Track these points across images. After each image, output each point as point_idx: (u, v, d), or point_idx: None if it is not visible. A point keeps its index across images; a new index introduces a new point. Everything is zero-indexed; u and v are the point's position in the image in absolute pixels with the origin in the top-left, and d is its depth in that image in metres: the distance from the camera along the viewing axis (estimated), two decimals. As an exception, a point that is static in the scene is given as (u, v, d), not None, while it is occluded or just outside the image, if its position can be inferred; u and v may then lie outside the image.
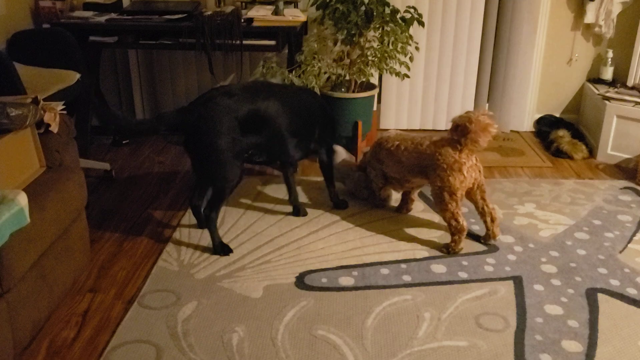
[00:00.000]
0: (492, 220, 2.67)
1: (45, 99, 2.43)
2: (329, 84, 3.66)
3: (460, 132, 2.53)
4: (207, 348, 2.02)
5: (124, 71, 4.13)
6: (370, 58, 3.51)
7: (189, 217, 2.94)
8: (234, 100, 2.49)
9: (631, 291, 2.35)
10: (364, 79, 3.62)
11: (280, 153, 2.74)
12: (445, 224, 2.67)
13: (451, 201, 2.56)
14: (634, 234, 2.80)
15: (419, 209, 3.06)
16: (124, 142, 3.95)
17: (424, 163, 2.64)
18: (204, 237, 2.75)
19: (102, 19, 3.51)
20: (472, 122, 2.49)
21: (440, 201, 2.59)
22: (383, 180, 2.94)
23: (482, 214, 2.68)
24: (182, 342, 2.05)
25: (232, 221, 2.87)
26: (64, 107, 2.45)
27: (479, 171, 2.60)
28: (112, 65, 4.12)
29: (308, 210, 3.01)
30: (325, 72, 3.59)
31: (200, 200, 2.77)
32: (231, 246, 2.66)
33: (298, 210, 2.97)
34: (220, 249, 2.61)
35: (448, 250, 2.64)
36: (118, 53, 4.09)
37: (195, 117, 2.43)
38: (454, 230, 2.60)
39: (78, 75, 3.14)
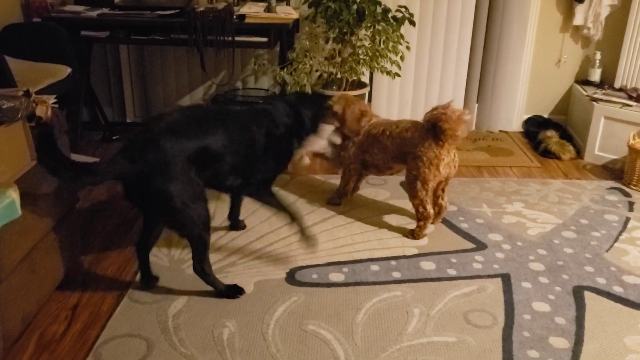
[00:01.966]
0: (439, 212, 2.86)
1: (36, 93, 2.41)
2: (321, 82, 3.67)
3: (437, 130, 2.59)
4: (197, 342, 2.03)
5: (115, 66, 4.12)
6: (361, 57, 3.53)
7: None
8: (181, 137, 2.09)
9: (617, 289, 2.39)
10: (355, 78, 3.63)
11: (214, 183, 2.35)
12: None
13: (422, 190, 2.68)
14: (620, 233, 2.84)
15: (408, 206, 3.08)
16: (114, 137, 3.93)
17: (405, 149, 2.72)
18: (194, 233, 2.75)
19: (94, 13, 3.49)
20: (443, 120, 2.56)
21: (412, 188, 2.71)
22: (357, 170, 2.97)
23: (434, 202, 2.82)
24: (172, 336, 2.06)
25: (223, 217, 2.87)
26: (55, 100, 2.44)
27: (454, 167, 2.73)
28: (103, 60, 4.10)
29: (299, 206, 3.02)
30: (316, 70, 3.61)
31: (147, 245, 2.33)
32: (222, 242, 2.66)
33: (235, 226, 2.82)
34: (229, 293, 2.30)
35: (413, 235, 2.76)
36: (109, 48, 4.07)
37: (141, 166, 2.01)
38: (421, 216, 2.73)
39: (69, 70, 3.13)
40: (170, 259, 2.54)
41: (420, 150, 2.64)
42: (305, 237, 2.51)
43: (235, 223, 2.83)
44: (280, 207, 2.49)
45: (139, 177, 2.03)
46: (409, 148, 2.70)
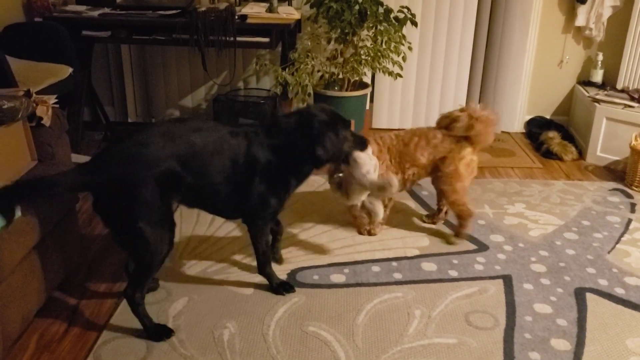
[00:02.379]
0: (446, 213, 2.91)
1: (37, 93, 2.41)
2: (322, 82, 3.66)
3: (469, 136, 2.61)
4: (198, 343, 2.02)
5: (116, 66, 4.12)
6: (363, 57, 3.52)
7: (180, 213, 2.93)
8: (150, 152, 1.91)
9: (619, 291, 2.38)
10: (357, 78, 3.63)
11: (216, 210, 2.24)
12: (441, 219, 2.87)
13: (461, 190, 2.67)
14: (622, 235, 2.83)
15: (410, 207, 3.07)
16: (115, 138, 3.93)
17: (438, 156, 2.67)
18: (195, 233, 2.75)
19: (95, 13, 3.49)
20: (476, 119, 2.57)
21: (451, 190, 2.67)
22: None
23: (439, 202, 2.89)
24: (173, 337, 2.05)
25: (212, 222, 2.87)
26: (56, 100, 2.44)
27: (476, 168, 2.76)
28: (105, 60, 4.10)
29: (299, 208, 3.02)
30: (318, 71, 3.61)
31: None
32: (222, 242, 2.66)
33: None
34: (156, 335, 2.05)
35: (458, 235, 2.75)
36: (111, 48, 4.07)
37: (106, 180, 1.88)
38: (465, 215, 2.71)
39: (70, 70, 3.12)
40: (171, 260, 2.53)
41: (456, 155, 2.63)
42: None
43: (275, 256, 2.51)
44: (257, 251, 2.29)
45: (103, 191, 1.90)
46: (441, 154, 2.65)
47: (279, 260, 2.52)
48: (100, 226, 2.82)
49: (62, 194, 2.10)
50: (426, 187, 3.25)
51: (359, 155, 2.26)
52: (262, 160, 2.09)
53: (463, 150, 2.63)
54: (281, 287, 2.33)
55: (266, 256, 2.31)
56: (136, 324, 2.09)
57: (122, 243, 2.04)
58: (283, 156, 2.12)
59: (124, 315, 2.16)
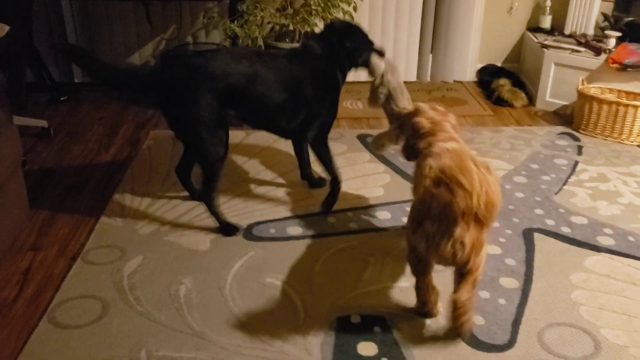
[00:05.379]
0: None
1: (-29, 52, 2.30)
2: (273, 34, 3.60)
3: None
4: (154, 300, 2.02)
5: (58, 24, 3.94)
6: (313, 7, 3.46)
7: (131, 173, 2.89)
8: (213, 63, 2.23)
9: (565, 230, 2.47)
10: (308, 29, 3.57)
11: (267, 124, 2.51)
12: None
13: None
14: (569, 177, 2.92)
15: (364, 159, 3.09)
16: (62, 98, 3.80)
17: None
18: (148, 192, 2.71)
19: (30, -33, 3.32)
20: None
21: None
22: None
23: None
24: (128, 295, 2.04)
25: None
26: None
27: None
28: (46, 19, 3.92)
29: (256, 163, 3.01)
30: (268, 22, 3.54)
31: (187, 171, 2.59)
32: (175, 202, 2.63)
33: (313, 183, 2.79)
34: (227, 229, 2.40)
35: None
36: (50, 4, 3.88)
37: (169, 79, 2.21)
38: None
39: (7, 28, 2.97)
40: (124, 220, 2.50)
41: None
42: (331, 203, 2.58)
43: (312, 180, 2.78)
44: (329, 164, 2.55)
45: (166, 91, 2.22)
46: None
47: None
48: (50, 188, 2.75)
49: (136, 90, 2.49)
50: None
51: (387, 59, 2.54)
52: (321, 71, 2.44)
53: None
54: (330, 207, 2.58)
55: (336, 170, 2.57)
56: (90, 285, 2.08)
57: (184, 142, 2.42)
58: (327, 64, 2.46)
59: (77, 276, 2.13)
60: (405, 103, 2.47)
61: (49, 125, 3.30)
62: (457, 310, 1.77)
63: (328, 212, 2.57)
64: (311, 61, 2.44)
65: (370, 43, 2.56)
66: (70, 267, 2.19)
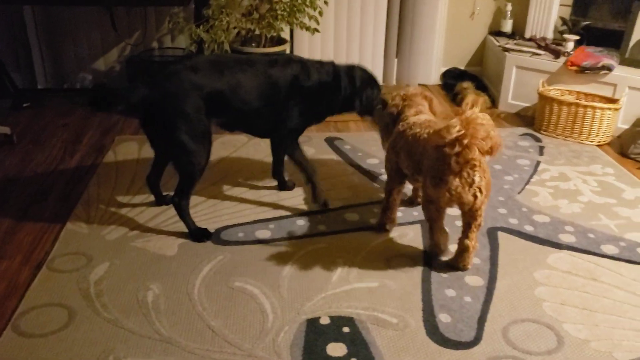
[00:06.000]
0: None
1: None
2: (239, 39, 3.60)
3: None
4: (122, 306, 2.00)
5: (20, 29, 3.87)
6: (279, 12, 3.47)
7: (97, 179, 2.85)
8: (200, 76, 2.29)
9: (528, 228, 2.53)
10: (274, 34, 3.59)
11: (251, 129, 2.60)
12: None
13: None
14: (531, 176, 2.99)
15: (332, 161, 3.12)
16: (24, 105, 3.74)
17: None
18: (114, 198, 2.69)
19: (-10, -29, 3.26)
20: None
21: None
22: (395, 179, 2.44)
23: None
24: (95, 302, 2.02)
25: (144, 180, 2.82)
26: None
27: None
28: (7, 25, 3.84)
29: (223, 167, 3.00)
30: (234, 27, 3.53)
31: (158, 178, 2.59)
32: (141, 208, 2.61)
33: (282, 185, 2.82)
34: (198, 235, 2.40)
35: None
36: (11, 11, 3.81)
37: (159, 94, 2.23)
38: None
39: (-34, 33, 2.92)
40: (90, 226, 2.47)
41: None
42: (318, 197, 2.64)
43: (282, 182, 2.81)
44: (301, 162, 2.62)
45: (155, 106, 2.24)
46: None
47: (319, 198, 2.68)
48: (13, 196, 2.70)
49: (125, 110, 2.35)
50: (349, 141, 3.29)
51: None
52: (306, 86, 2.50)
53: None
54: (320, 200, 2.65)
55: (309, 165, 2.64)
56: (56, 293, 2.05)
57: (166, 155, 2.44)
58: (320, 94, 2.54)
59: (42, 284, 2.10)
60: None
61: (11, 132, 3.24)
62: (465, 252, 2.19)
63: (325, 204, 2.65)
64: (299, 73, 2.50)
65: (381, 101, 2.65)
66: (35, 275, 2.16)
